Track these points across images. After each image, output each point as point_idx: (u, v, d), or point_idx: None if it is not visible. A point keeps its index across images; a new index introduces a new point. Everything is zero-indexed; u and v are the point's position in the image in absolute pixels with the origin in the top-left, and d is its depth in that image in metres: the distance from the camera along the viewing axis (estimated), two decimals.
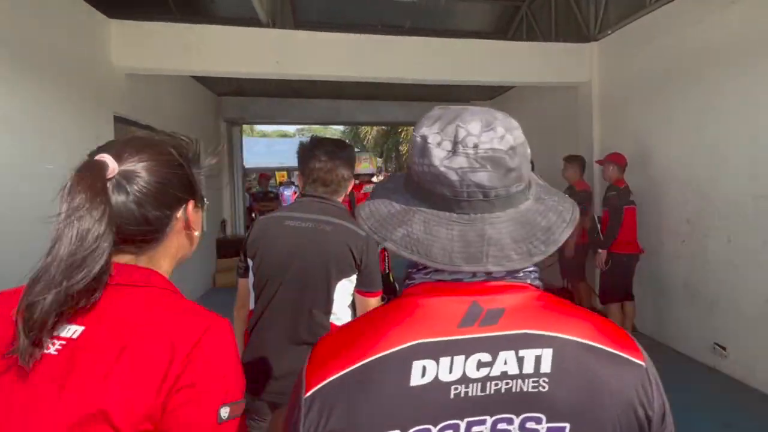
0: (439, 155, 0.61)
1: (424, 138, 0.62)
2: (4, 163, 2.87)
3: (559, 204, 0.68)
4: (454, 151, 0.60)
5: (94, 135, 3.85)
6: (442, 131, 0.62)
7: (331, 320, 1.66)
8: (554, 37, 5.89)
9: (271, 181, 11.88)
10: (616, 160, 4.27)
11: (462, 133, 0.61)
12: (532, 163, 0.71)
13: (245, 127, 29.49)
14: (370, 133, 17.04)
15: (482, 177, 0.60)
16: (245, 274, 1.76)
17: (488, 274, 0.62)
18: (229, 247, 7.60)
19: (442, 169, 0.60)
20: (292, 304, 1.60)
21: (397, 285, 4.73)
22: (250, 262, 1.71)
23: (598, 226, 4.33)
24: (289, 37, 4.56)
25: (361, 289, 1.70)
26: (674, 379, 3.57)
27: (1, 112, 2.89)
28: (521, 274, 0.65)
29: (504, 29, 6.97)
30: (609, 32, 5.05)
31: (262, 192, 8.79)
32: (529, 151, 0.66)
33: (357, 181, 4.64)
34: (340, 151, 1.75)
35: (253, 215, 8.58)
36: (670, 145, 4.27)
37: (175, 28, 4.33)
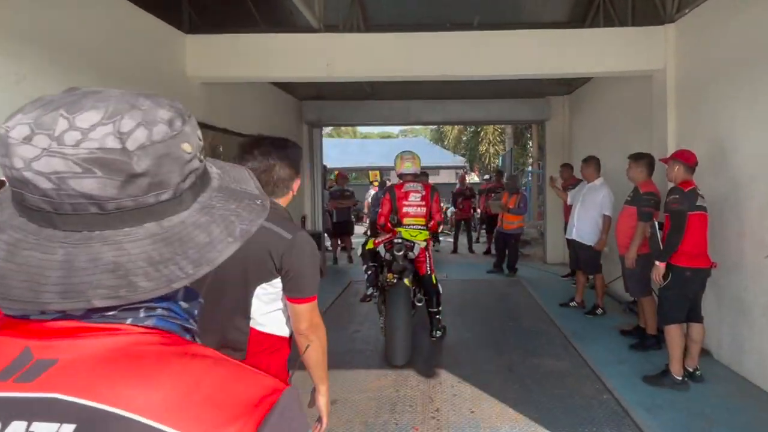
0: (24, 155, 0.46)
1: (7, 130, 0.47)
2: None
3: (237, 212, 0.56)
4: (48, 150, 0.46)
5: None
6: (37, 121, 0.47)
7: (251, 326, 1.63)
8: (631, 23, 5.41)
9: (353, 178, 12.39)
10: (684, 158, 3.76)
11: (62, 126, 0.46)
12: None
13: (346, 129, 30.37)
14: (451, 132, 16.83)
15: (90, 185, 0.46)
16: None
17: (61, 312, 0.48)
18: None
19: (28, 174, 0.46)
20: (213, 309, 1.55)
21: (440, 287, 4.82)
22: None
23: (659, 233, 3.81)
24: (338, 40, 4.80)
25: (287, 294, 1.62)
26: (754, 423, 3.13)
27: None
28: (117, 313, 0.51)
29: (580, 18, 6.53)
30: (686, 11, 4.52)
31: (339, 190, 9.21)
32: (186, 149, 0.52)
33: (400, 180, 4.73)
34: (278, 150, 1.70)
35: (330, 212, 9.04)
36: (755, 141, 3.67)
37: (236, 39, 4.83)
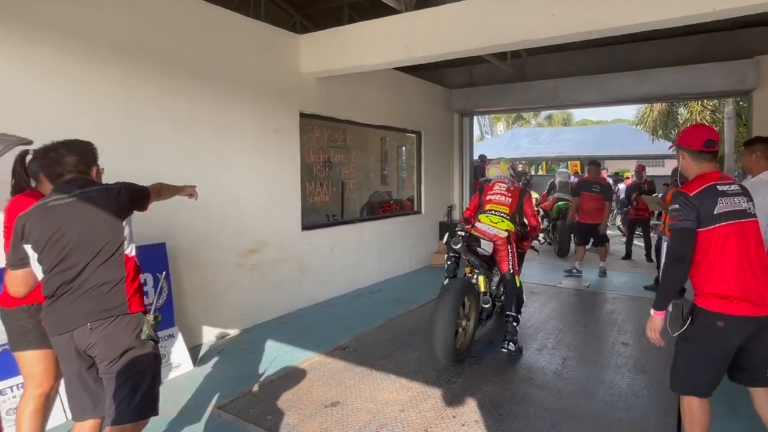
0: None
1: None
2: (239, 162, 4.44)
3: None
4: None
5: (272, 129, 5.08)
6: None
7: None
8: None
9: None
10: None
11: None
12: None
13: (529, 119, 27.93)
14: (649, 115, 13.78)
15: None
16: None
17: None
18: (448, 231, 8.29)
19: None
20: None
21: (523, 295, 4.43)
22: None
23: None
24: (415, 18, 4.63)
25: None
26: None
27: (225, 123, 4.48)
28: None
29: None
30: None
31: (487, 180, 8.82)
32: None
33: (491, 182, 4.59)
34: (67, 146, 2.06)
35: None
36: None
37: (333, 33, 5.12)
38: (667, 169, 14.03)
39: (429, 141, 8.12)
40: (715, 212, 2.14)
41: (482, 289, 4.08)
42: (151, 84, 3.90)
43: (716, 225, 2.14)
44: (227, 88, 4.55)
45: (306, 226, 5.59)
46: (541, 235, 9.06)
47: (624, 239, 9.33)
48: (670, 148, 3.17)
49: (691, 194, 2.18)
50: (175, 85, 4.08)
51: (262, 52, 4.95)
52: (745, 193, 2.28)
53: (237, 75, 4.65)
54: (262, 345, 4.36)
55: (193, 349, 4.13)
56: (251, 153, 4.87)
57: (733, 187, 2.25)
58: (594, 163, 7.40)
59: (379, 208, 7.25)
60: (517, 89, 7.84)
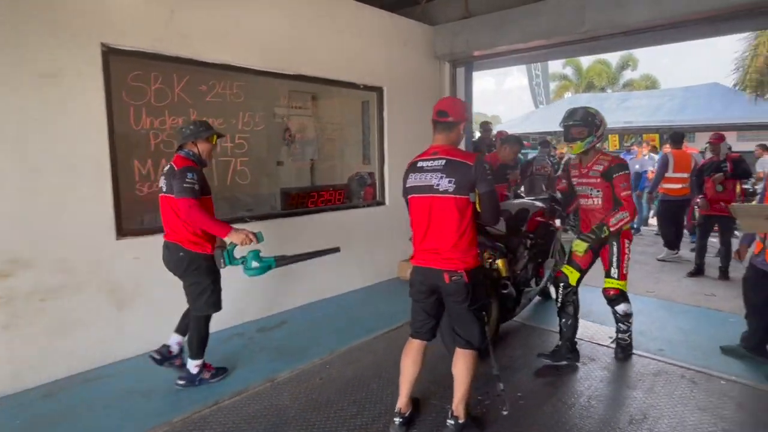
0: None
1: None
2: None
3: None
4: None
5: (36, 74, 3.02)
6: None
7: None
8: None
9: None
10: None
11: None
12: None
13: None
14: (752, 63, 9.59)
15: None
16: None
17: None
18: None
19: None
20: None
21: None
22: None
23: None
24: None
25: None
26: None
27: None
28: None
29: None
30: None
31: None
32: None
33: None
34: None
35: None
36: None
37: None
38: None
39: (398, 101, 5.69)
40: None
41: (503, 273, 3.43)
42: None
43: None
44: None
45: (129, 231, 3.53)
46: None
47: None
48: None
49: None
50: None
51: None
52: None
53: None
54: None
55: None
56: None
57: None
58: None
59: (303, 200, 4.94)
60: (521, 16, 5.14)
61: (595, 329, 3.97)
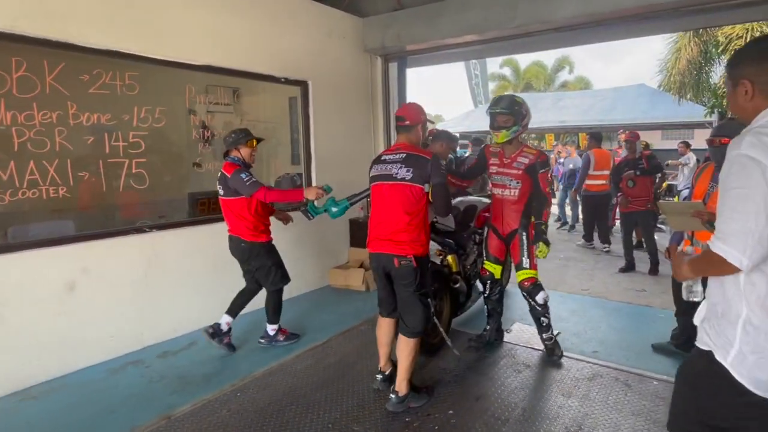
0: None
1: None
2: None
3: None
4: None
5: None
6: None
7: None
8: None
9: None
10: None
11: None
12: None
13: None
14: (675, 65, 10.18)
15: None
16: None
17: None
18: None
19: None
20: None
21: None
22: None
23: None
24: None
25: None
26: None
27: None
28: None
29: None
30: None
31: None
32: None
33: None
34: None
35: None
36: None
37: None
38: (698, 141, 10.45)
39: (325, 97, 5.33)
40: None
41: (454, 269, 3.60)
42: None
43: None
44: None
45: None
46: None
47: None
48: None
49: None
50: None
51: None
52: None
53: None
54: None
55: None
56: None
57: None
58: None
59: (216, 205, 4.35)
60: (454, 9, 4.94)
61: (532, 332, 3.81)
